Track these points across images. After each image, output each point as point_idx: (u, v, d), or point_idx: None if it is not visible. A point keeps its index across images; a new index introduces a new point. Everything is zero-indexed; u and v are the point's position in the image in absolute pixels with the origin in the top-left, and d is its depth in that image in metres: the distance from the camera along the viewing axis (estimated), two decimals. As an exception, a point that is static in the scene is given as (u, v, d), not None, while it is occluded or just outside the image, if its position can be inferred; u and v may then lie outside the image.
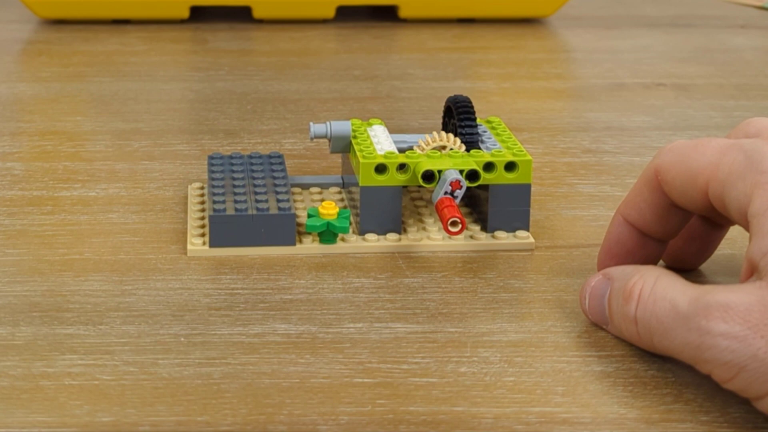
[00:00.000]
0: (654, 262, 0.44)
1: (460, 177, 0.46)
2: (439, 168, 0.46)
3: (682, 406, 0.36)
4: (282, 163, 0.51)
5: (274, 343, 0.40)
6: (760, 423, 0.35)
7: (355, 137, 0.49)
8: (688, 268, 0.46)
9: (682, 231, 0.44)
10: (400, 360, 0.39)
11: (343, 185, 0.52)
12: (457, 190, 0.46)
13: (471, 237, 0.48)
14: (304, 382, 0.37)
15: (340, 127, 0.49)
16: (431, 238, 0.47)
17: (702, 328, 0.35)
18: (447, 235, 0.47)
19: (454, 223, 0.45)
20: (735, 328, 0.34)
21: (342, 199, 0.51)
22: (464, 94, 0.51)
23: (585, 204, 0.53)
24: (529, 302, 0.43)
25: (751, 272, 0.36)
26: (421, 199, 0.51)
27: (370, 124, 0.51)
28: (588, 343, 0.40)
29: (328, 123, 0.50)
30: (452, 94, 0.52)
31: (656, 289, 0.37)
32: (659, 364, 0.39)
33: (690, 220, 0.43)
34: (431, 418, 0.35)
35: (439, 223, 0.48)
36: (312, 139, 0.50)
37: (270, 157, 0.52)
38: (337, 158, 0.56)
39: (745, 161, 0.38)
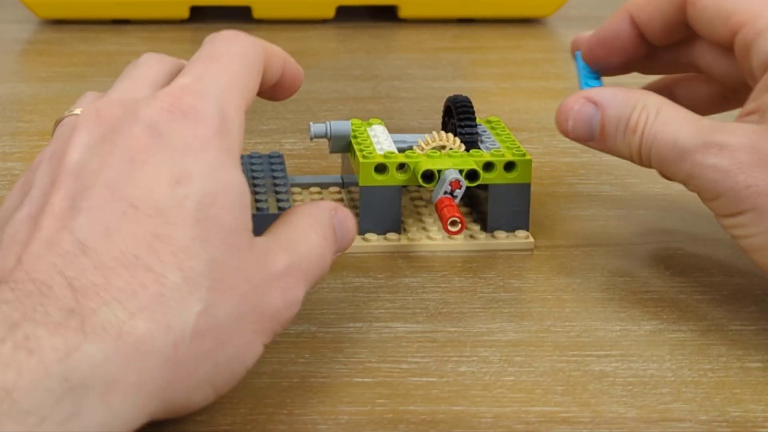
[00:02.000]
0: (640, 63, 0.46)
1: (459, 177, 0.46)
2: (439, 168, 0.46)
3: (681, 405, 0.36)
4: (282, 163, 0.51)
5: (273, 343, 0.39)
6: (760, 423, 0.35)
7: (354, 137, 0.49)
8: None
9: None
10: (399, 359, 0.39)
11: (343, 185, 0.52)
12: (457, 190, 0.46)
13: (471, 237, 0.48)
14: (304, 381, 0.37)
15: (340, 126, 0.49)
16: (431, 237, 0.48)
17: (695, 161, 0.40)
18: (447, 234, 0.47)
19: (453, 223, 0.45)
20: (723, 162, 0.39)
21: (342, 199, 0.51)
22: (464, 94, 0.51)
23: (585, 204, 0.53)
24: (529, 302, 0.43)
25: (751, 112, 0.40)
26: (420, 198, 0.51)
27: (370, 124, 0.51)
28: (587, 342, 0.40)
29: (327, 123, 0.50)
30: (452, 94, 0.52)
31: (659, 121, 0.41)
32: (658, 364, 0.39)
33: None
34: (431, 417, 0.35)
35: (439, 223, 0.48)
36: (312, 138, 0.50)
37: (270, 156, 0.52)
38: (337, 158, 0.56)
39: None
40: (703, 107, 0.48)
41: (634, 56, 0.46)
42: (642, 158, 0.42)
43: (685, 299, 0.43)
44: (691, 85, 0.48)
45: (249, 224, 0.35)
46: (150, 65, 0.41)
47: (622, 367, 0.38)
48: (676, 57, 0.47)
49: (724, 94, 0.47)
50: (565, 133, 0.44)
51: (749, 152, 0.39)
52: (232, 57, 0.37)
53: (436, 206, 0.46)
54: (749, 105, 0.41)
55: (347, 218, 0.39)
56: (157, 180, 0.33)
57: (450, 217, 0.45)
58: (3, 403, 0.27)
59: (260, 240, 0.35)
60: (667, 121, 0.41)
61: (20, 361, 0.28)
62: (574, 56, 0.48)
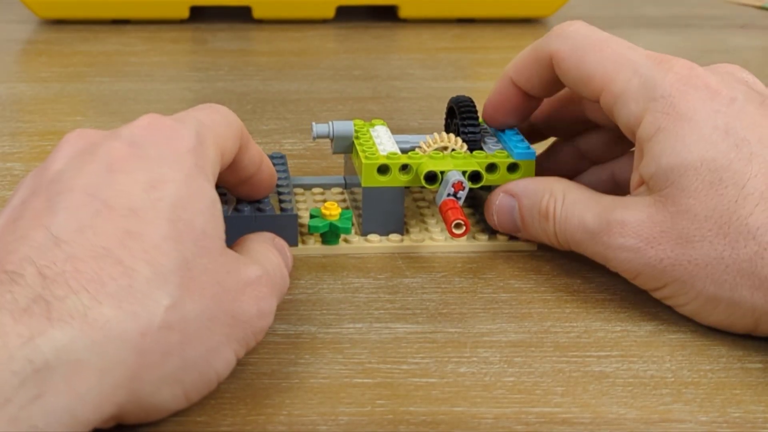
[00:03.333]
0: (531, 112, 0.49)
1: (462, 178, 0.46)
2: (442, 169, 0.46)
3: (681, 406, 0.36)
4: (284, 164, 0.51)
5: (273, 344, 0.40)
6: (760, 423, 0.35)
7: (357, 137, 0.49)
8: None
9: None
10: (399, 360, 0.39)
11: (345, 186, 0.52)
12: (460, 192, 0.46)
13: (473, 238, 0.48)
14: (304, 382, 0.37)
15: (343, 127, 0.49)
16: (434, 238, 0.47)
17: (605, 243, 0.42)
18: (450, 237, 0.47)
19: (458, 226, 0.45)
20: (630, 241, 0.41)
21: (344, 200, 0.51)
22: (465, 94, 0.51)
23: (585, 204, 0.53)
24: (529, 302, 0.43)
25: (641, 183, 0.42)
26: (423, 199, 0.51)
27: (373, 125, 0.51)
28: (587, 343, 0.40)
29: (330, 123, 0.50)
30: (452, 95, 0.52)
31: (566, 207, 0.43)
32: (658, 365, 0.39)
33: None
34: (431, 418, 0.35)
35: (442, 224, 0.48)
36: (314, 138, 0.50)
37: (272, 157, 0.52)
38: (337, 158, 0.56)
39: (639, 85, 0.42)
40: (603, 154, 0.50)
41: (528, 111, 0.49)
42: (560, 242, 0.44)
43: (686, 300, 0.43)
44: (588, 136, 0.50)
45: (222, 233, 0.36)
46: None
47: (622, 367, 0.38)
48: (565, 111, 0.50)
49: (616, 139, 0.49)
50: (495, 227, 0.47)
51: (649, 225, 0.40)
52: (215, 110, 0.40)
53: (440, 208, 0.46)
54: (635, 177, 0.42)
55: (285, 246, 0.41)
56: (133, 184, 0.34)
57: (454, 220, 0.45)
58: None
59: (230, 251, 0.36)
60: (573, 204, 0.43)
61: None
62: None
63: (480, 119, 0.51)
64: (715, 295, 0.39)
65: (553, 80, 0.46)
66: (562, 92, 0.49)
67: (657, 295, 0.41)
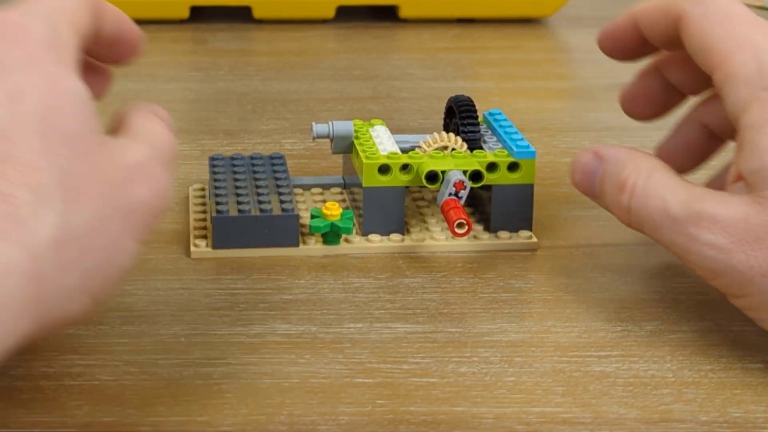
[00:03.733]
0: (642, 56, 0.46)
1: (463, 178, 0.46)
2: (443, 168, 0.46)
3: (681, 406, 0.36)
4: (284, 164, 0.51)
5: (274, 343, 0.40)
6: (760, 423, 0.35)
7: (357, 138, 0.49)
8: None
9: (681, 141, 0.46)
10: (400, 360, 0.39)
11: (345, 186, 0.52)
12: (461, 191, 0.46)
13: (474, 237, 0.48)
14: (304, 382, 0.37)
15: (343, 126, 0.49)
16: (434, 238, 0.47)
17: (689, 235, 0.38)
18: (452, 236, 0.47)
19: (460, 225, 0.45)
20: (720, 240, 0.37)
21: (344, 200, 0.51)
22: (465, 94, 0.51)
23: (585, 204, 0.53)
24: (529, 302, 0.43)
25: (739, 178, 0.38)
26: (423, 199, 0.51)
27: (372, 125, 0.51)
28: (588, 343, 0.40)
29: (330, 123, 0.50)
30: (452, 94, 0.52)
31: (649, 185, 0.40)
32: (659, 364, 0.39)
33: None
34: (431, 418, 0.35)
35: (443, 224, 0.48)
36: (314, 138, 0.50)
37: (271, 158, 0.52)
38: (337, 158, 0.56)
39: (755, 70, 0.39)
40: (693, 88, 0.46)
41: (640, 54, 0.46)
42: (632, 220, 0.41)
43: (686, 300, 0.43)
44: (683, 67, 0.46)
45: (96, 126, 0.34)
46: None
47: (622, 367, 0.38)
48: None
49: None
50: (575, 184, 0.44)
51: (744, 227, 0.37)
52: None
53: (441, 208, 0.46)
54: (733, 170, 0.39)
55: (163, 111, 0.39)
56: None
57: (456, 220, 0.45)
58: None
59: (111, 139, 0.35)
60: (658, 184, 0.40)
61: None
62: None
63: (480, 119, 0.51)
64: None
65: (675, 38, 0.42)
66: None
67: (736, 302, 0.39)
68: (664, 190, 0.39)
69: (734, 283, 0.37)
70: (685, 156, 0.47)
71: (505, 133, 0.49)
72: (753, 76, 0.39)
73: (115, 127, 0.37)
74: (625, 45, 0.46)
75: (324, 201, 0.51)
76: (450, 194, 0.46)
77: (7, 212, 0.30)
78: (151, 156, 0.35)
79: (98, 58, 0.41)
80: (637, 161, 0.41)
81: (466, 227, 0.45)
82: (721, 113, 0.43)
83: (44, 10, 0.35)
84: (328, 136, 0.50)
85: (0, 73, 0.33)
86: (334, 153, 0.50)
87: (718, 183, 0.45)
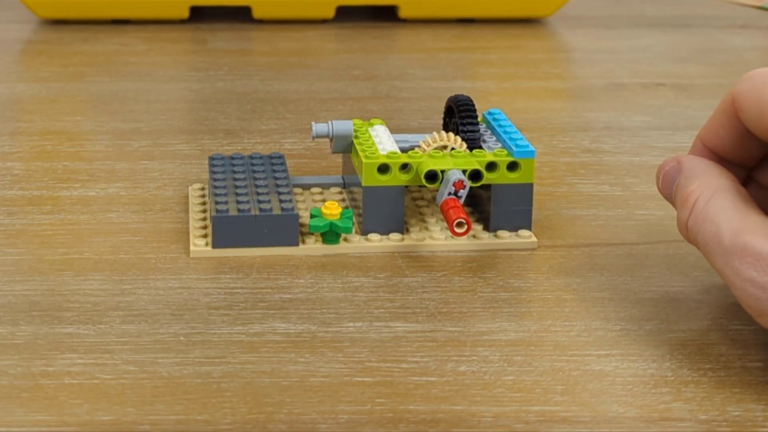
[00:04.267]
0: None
1: (463, 177, 0.46)
2: (442, 168, 0.46)
3: (681, 404, 0.36)
4: (283, 164, 0.51)
5: (273, 342, 0.40)
6: (759, 421, 0.35)
7: (356, 137, 0.49)
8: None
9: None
10: (399, 359, 0.39)
11: (344, 185, 0.52)
12: (461, 191, 0.46)
13: (474, 236, 0.48)
14: (304, 381, 0.37)
15: (342, 126, 0.49)
16: (434, 237, 0.47)
17: (734, 268, 0.37)
18: (452, 235, 0.47)
19: (459, 224, 0.45)
20: (763, 278, 0.36)
21: (343, 199, 0.51)
22: (464, 94, 0.51)
23: (584, 204, 0.53)
24: (529, 301, 0.43)
25: None
26: (422, 198, 0.51)
27: (372, 124, 0.51)
28: (587, 342, 0.40)
29: (330, 122, 0.50)
30: (452, 94, 0.52)
31: (709, 207, 0.39)
32: (658, 363, 0.39)
33: None
34: (431, 416, 0.35)
35: (442, 223, 0.48)
36: (314, 138, 0.50)
37: (271, 157, 0.52)
38: (337, 158, 0.56)
39: None
40: None
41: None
42: (690, 237, 0.40)
43: (686, 299, 0.43)
44: None
45: None
46: None
47: (622, 366, 0.38)
48: None
49: None
50: (658, 189, 0.44)
51: None
52: None
53: (441, 207, 0.46)
54: None
55: None
56: None
57: (456, 219, 0.45)
58: None
59: None
60: (717, 207, 0.39)
61: None
62: None
63: (480, 118, 0.51)
64: None
65: (744, 133, 0.42)
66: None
67: None
68: (720, 215, 0.38)
69: None
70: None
71: (505, 132, 0.49)
72: None
73: None
74: None
75: (323, 200, 0.51)
76: (449, 194, 0.46)
77: None
78: None
79: None
80: (706, 177, 0.40)
81: (466, 226, 0.45)
82: None
83: None
84: (327, 136, 0.50)
85: None
86: (333, 153, 0.50)
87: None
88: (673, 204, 0.43)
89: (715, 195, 0.39)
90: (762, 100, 0.40)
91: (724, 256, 0.37)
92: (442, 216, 0.47)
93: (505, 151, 0.48)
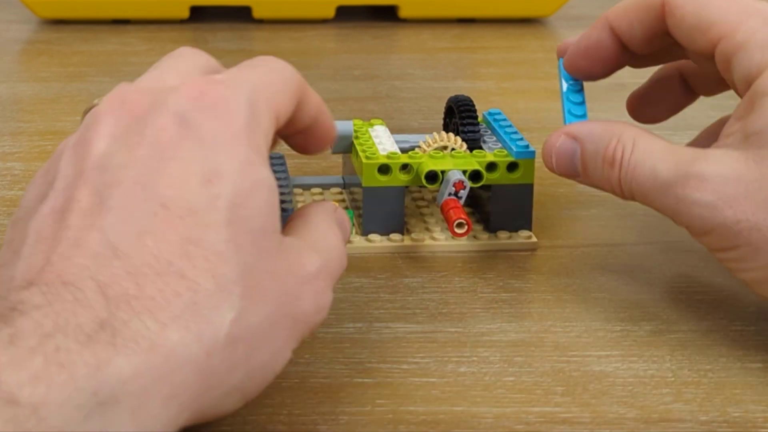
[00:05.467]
0: (619, 68, 0.46)
1: (463, 177, 0.46)
2: (442, 168, 0.46)
3: (681, 405, 0.36)
4: (283, 164, 0.51)
5: (273, 343, 0.40)
6: (760, 423, 0.35)
7: (357, 137, 0.49)
8: (646, 123, 0.48)
9: (656, 93, 0.47)
10: (399, 360, 0.39)
11: (344, 185, 0.52)
12: (461, 191, 0.46)
13: (474, 237, 0.48)
14: (304, 381, 0.37)
15: (343, 126, 0.49)
16: (435, 238, 0.47)
17: (678, 196, 0.39)
18: (452, 236, 0.47)
19: (460, 225, 0.45)
20: (706, 197, 0.38)
21: (343, 200, 0.51)
22: (464, 94, 0.51)
23: (585, 204, 0.53)
24: (529, 302, 0.43)
25: (736, 133, 0.39)
26: (422, 199, 0.51)
27: (372, 125, 0.51)
28: (587, 342, 0.40)
29: None
30: (452, 94, 0.52)
31: (635, 155, 0.41)
32: (658, 364, 0.39)
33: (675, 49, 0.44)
34: (431, 417, 0.35)
35: (443, 224, 0.48)
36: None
37: (271, 157, 0.52)
38: (338, 158, 0.56)
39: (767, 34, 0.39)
40: (715, 89, 0.48)
41: (616, 65, 0.46)
42: (624, 192, 0.42)
43: (686, 299, 0.43)
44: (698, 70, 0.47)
45: (279, 225, 0.33)
46: (185, 57, 0.39)
47: (622, 367, 0.38)
48: (659, 64, 0.47)
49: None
50: (551, 170, 0.44)
51: (733, 184, 0.38)
52: (270, 68, 0.37)
53: (441, 208, 0.46)
54: (734, 125, 0.40)
55: (345, 218, 0.39)
56: (188, 177, 0.32)
57: (456, 219, 0.45)
58: (29, 420, 0.26)
59: (288, 240, 0.34)
60: (645, 153, 0.41)
61: (51, 376, 0.27)
62: (558, 62, 0.48)
63: (478, 118, 0.51)
64: None
65: (658, 32, 0.43)
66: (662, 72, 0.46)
67: (721, 256, 0.39)
68: (652, 157, 0.40)
69: (722, 238, 0.38)
70: (658, 107, 0.48)
71: (505, 133, 0.49)
72: (765, 42, 0.39)
73: (297, 224, 0.36)
74: (603, 57, 0.46)
75: (324, 201, 0.51)
76: (450, 194, 0.46)
77: (190, 300, 0.30)
78: (322, 270, 0.34)
79: (284, 140, 0.40)
80: (618, 132, 0.42)
81: (466, 227, 0.45)
82: (701, 71, 0.45)
83: (249, 89, 0.34)
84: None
85: (204, 148, 0.32)
86: (333, 153, 0.50)
87: (700, 144, 0.46)
88: (575, 176, 0.44)
89: (636, 142, 0.41)
90: (703, 17, 0.41)
91: (665, 191, 0.39)
92: (442, 216, 0.47)
93: (505, 152, 0.48)
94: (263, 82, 0.35)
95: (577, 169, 0.43)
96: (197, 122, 0.33)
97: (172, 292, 0.30)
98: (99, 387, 0.27)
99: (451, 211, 0.45)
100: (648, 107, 0.49)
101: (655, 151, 0.40)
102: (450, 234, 0.47)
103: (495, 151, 0.48)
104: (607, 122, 0.43)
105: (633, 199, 0.42)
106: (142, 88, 0.35)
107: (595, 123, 0.43)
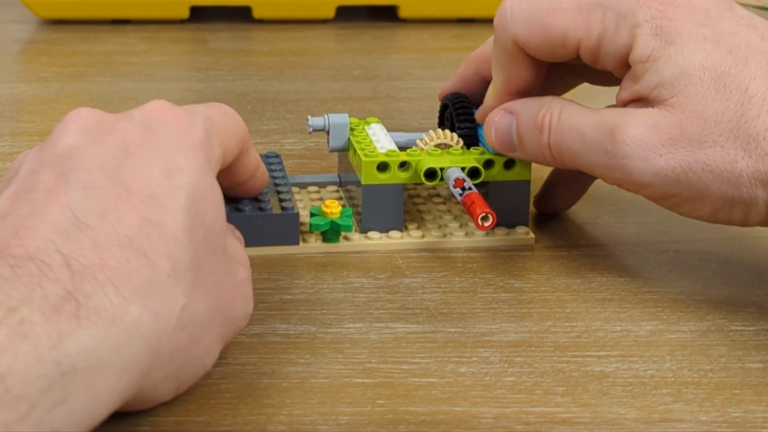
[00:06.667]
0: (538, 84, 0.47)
1: (462, 174, 0.46)
2: (441, 165, 0.46)
3: (681, 406, 0.36)
4: (280, 163, 0.51)
5: (273, 343, 0.40)
6: (760, 423, 0.35)
7: (354, 135, 0.49)
8: (556, 212, 0.51)
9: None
10: (399, 360, 0.39)
11: (340, 183, 0.52)
12: (465, 184, 0.46)
13: (471, 233, 0.48)
14: (304, 382, 0.37)
15: (338, 119, 0.50)
16: (433, 235, 0.47)
17: (609, 153, 0.41)
18: (449, 232, 0.47)
19: (485, 218, 0.45)
20: (636, 150, 0.41)
21: (340, 198, 0.51)
22: (460, 92, 0.51)
23: (585, 204, 0.53)
24: (529, 302, 0.43)
25: (633, 100, 0.42)
26: (418, 196, 0.51)
27: (368, 123, 0.51)
28: (587, 343, 0.40)
29: (326, 116, 0.50)
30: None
31: (562, 119, 0.43)
32: (658, 364, 0.39)
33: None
34: (431, 418, 0.35)
35: (440, 220, 0.49)
36: (310, 132, 0.50)
37: (267, 156, 0.52)
38: (333, 157, 0.56)
39: (616, 18, 0.42)
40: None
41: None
42: (555, 158, 0.44)
43: (686, 300, 0.43)
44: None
45: (226, 230, 0.36)
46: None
47: (622, 367, 0.38)
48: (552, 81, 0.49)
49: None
50: (493, 146, 0.47)
51: (656, 133, 0.40)
52: (223, 111, 0.40)
53: (463, 203, 0.45)
54: (623, 94, 0.42)
55: (240, 236, 0.43)
56: (150, 170, 0.34)
57: (481, 213, 0.44)
58: None
59: (228, 249, 0.37)
60: (570, 115, 0.43)
61: (15, 346, 0.28)
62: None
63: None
64: (732, 198, 0.40)
65: (537, 65, 0.46)
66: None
67: (667, 204, 0.42)
68: (577, 119, 0.43)
69: (662, 187, 0.41)
70: (562, 203, 0.51)
71: None
72: (620, 23, 0.42)
73: None
74: (480, 93, 0.49)
75: (321, 199, 0.51)
76: (468, 188, 0.45)
77: (149, 279, 0.31)
78: (249, 279, 0.37)
79: (226, 190, 0.41)
80: (547, 102, 0.44)
81: (491, 219, 0.44)
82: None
83: (204, 118, 0.37)
84: (323, 129, 0.50)
85: (166, 150, 0.35)
86: (330, 151, 0.50)
87: None
88: (512, 149, 0.46)
89: (563, 109, 0.43)
90: (553, 36, 0.43)
91: (594, 149, 0.42)
92: (438, 213, 0.46)
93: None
94: (216, 119, 0.38)
95: (513, 142, 0.45)
96: (160, 130, 0.35)
97: (133, 268, 0.31)
98: (61, 357, 0.28)
99: (473, 204, 0.45)
100: (552, 203, 0.51)
101: (579, 112, 0.43)
102: (447, 231, 0.47)
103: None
104: (538, 97, 0.45)
105: (564, 164, 0.44)
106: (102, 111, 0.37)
107: (529, 98, 0.45)
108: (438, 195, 0.51)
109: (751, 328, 0.41)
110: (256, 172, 0.43)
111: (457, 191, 0.45)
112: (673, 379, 0.38)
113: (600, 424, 0.35)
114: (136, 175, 0.33)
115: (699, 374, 0.38)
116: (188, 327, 0.33)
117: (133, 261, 0.31)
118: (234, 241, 0.39)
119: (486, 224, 0.45)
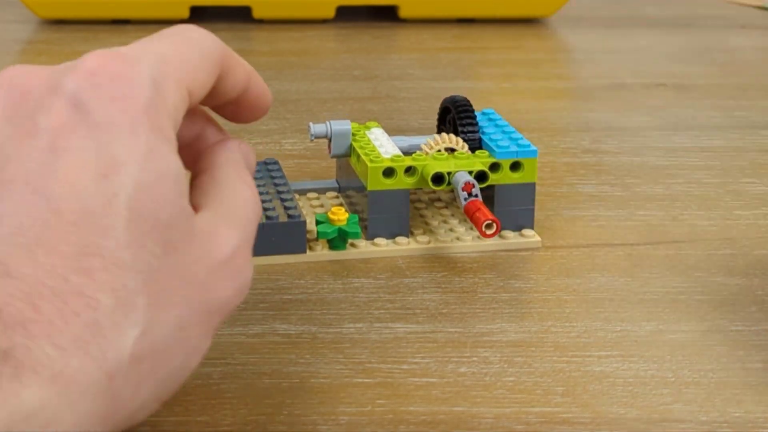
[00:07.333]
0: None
1: (470, 178, 0.46)
2: (448, 170, 0.46)
3: (681, 406, 0.36)
4: (279, 170, 0.51)
5: (273, 344, 0.40)
6: (760, 423, 0.35)
7: (355, 140, 0.49)
8: None
9: None
10: (400, 360, 0.39)
11: (339, 189, 0.52)
12: (473, 189, 0.46)
13: (478, 237, 0.48)
14: (304, 382, 0.37)
15: (340, 126, 0.49)
16: (440, 240, 0.47)
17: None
18: (455, 237, 0.47)
19: (489, 226, 0.45)
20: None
21: (341, 204, 0.51)
22: (463, 94, 0.51)
23: (585, 204, 0.53)
24: (529, 302, 0.43)
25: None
26: (419, 201, 0.51)
27: (368, 127, 0.51)
28: (587, 343, 0.40)
29: (328, 123, 0.50)
30: (452, 94, 0.52)
31: None
32: (659, 364, 0.39)
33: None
34: (431, 418, 0.35)
35: (445, 225, 0.49)
36: (312, 139, 0.50)
37: (266, 163, 0.52)
38: (332, 162, 0.56)
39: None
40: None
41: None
42: None
43: (686, 300, 0.43)
44: None
45: (187, 209, 0.31)
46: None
47: (622, 367, 0.38)
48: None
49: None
50: None
51: None
52: (184, 38, 0.34)
53: (466, 211, 0.46)
54: None
55: (250, 153, 0.37)
56: (82, 172, 0.29)
57: (485, 221, 0.45)
58: None
59: (201, 220, 0.32)
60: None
61: None
62: None
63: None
64: None
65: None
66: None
67: None
68: None
69: None
70: None
71: (504, 132, 0.49)
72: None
73: (207, 187, 0.34)
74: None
75: (321, 206, 0.51)
76: (474, 195, 0.46)
77: (90, 320, 0.28)
78: (240, 246, 0.32)
79: (214, 110, 0.37)
80: None
81: (495, 227, 0.45)
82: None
83: (155, 59, 0.32)
84: (326, 136, 0.50)
85: (99, 136, 0.30)
86: (332, 157, 0.50)
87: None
88: None
89: None
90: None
91: None
92: (443, 218, 0.46)
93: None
94: (173, 54, 0.33)
95: None
96: (92, 105, 0.30)
97: (70, 312, 0.28)
98: (10, 422, 0.26)
99: (477, 213, 0.45)
100: None
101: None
102: (452, 236, 0.47)
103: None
104: None
105: None
106: (39, 67, 0.32)
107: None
108: (439, 199, 0.51)
109: (752, 328, 0.41)
110: (247, 86, 0.37)
111: (463, 195, 0.45)
112: (673, 379, 0.38)
113: (600, 424, 0.35)
114: (66, 183, 0.29)
115: (699, 374, 0.38)
116: (150, 353, 0.29)
117: (70, 304, 0.28)
118: (230, 179, 0.34)
119: (490, 232, 0.45)
